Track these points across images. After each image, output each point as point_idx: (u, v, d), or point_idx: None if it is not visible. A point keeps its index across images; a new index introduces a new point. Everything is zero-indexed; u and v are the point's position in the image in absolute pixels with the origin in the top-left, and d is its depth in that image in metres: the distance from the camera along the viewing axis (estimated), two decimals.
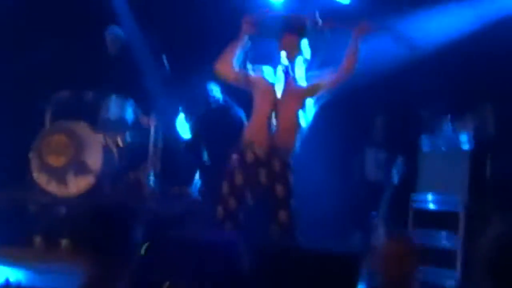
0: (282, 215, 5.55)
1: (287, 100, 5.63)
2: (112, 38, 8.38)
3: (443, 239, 7.07)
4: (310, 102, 5.76)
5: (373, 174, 8.49)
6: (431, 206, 7.34)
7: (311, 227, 7.43)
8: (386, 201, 7.50)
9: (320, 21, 5.74)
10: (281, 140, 5.60)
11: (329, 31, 5.79)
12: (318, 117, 8.12)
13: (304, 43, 5.76)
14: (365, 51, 7.95)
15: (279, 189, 5.58)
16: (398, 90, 8.30)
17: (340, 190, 8.38)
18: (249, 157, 5.65)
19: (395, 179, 7.56)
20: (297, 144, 5.71)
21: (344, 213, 8.07)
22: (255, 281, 4.56)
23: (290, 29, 5.77)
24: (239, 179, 5.66)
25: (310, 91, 5.75)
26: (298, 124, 5.70)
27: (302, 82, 5.78)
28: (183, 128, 8.50)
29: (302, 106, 5.72)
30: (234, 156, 5.71)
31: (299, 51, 5.74)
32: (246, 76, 5.66)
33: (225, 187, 5.70)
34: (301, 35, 5.74)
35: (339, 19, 5.99)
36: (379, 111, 8.56)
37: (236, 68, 5.72)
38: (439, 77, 7.92)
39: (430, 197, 7.36)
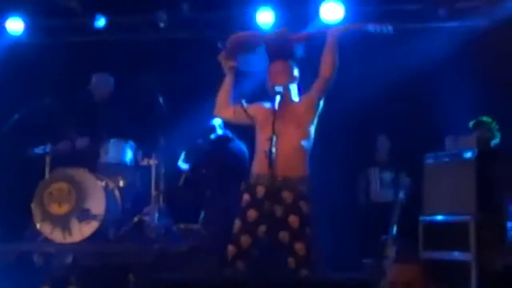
0: (298, 246, 5.39)
1: (288, 125, 5.50)
2: (96, 85, 8.38)
3: (456, 253, 6.95)
4: (310, 124, 5.66)
5: (378, 195, 8.42)
6: (441, 221, 7.23)
7: (319, 255, 7.41)
8: (395, 221, 7.40)
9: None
10: (289, 168, 5.44)
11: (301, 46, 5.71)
12: (319, 138, 8.14)
13: (293, 65, 5.72)
14: (367, 70, 8.01)
15: (292, 219, 5.40)
16: (400, 109, 8.26)
17: (346, 214, 8.30)
18: (259, 191, 5.50)
19: (402, 198, 7.47)
20: (307, 169, 5.57)
21: (353, 238, 7.97)
22: None
23: (279, 55, 5.70)
24: (251, 216, 5.48)
25: (305, 107, 5.65)
26: (303, 149, 5.57)
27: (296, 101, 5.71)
28: (184, 164, 8.51)
29: (305, 129, 5.62)
30: (244, 195, 5.56)
31: (291, 74, 5.67)
32: (244, 110, 5.54)
33: (237, 226, 5.51)
34: (291, 59, 5.72)
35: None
36: (381, 130, 8.51)
37: (232, 107, 5.71)
38: (441, 94, 7.88)
39: (438, 213, 7.26)
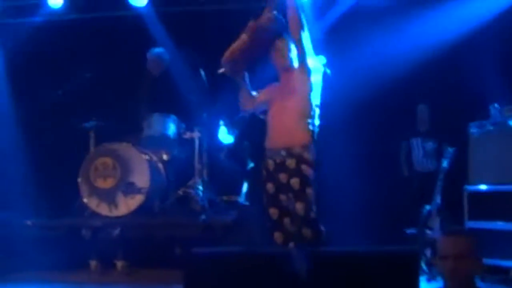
0: (298, 206, 5.67)
1: (285, 98, 5.81)
2: (155, 59, 8.46)
3: (500, 223, 6.90)
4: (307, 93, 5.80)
5: (421, 165, 8.37)
6: (486, 191, 7.17)
7: (365, 228, 7.42)
8: (439, 191, 7.36)
9: None
10: (291, 138, 5.75)
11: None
12: (360, 110, 8.12)
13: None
14: (409, 38, 7.92)
15: (294, 181, 5.69)
16: (443, 77, 8.17)
17: (388, 184, 8.27)
18: (270, 165, 5.83)
19: (446, 168, 7.43)
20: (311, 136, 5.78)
21: (396, 208, 7.95)
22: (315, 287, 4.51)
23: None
24: (270, 188, 5.82)
25: (298, 78, 5.82)
26: (303, 118, 5.76)
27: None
28: (225, 137, 8.51)
29: (301, 99, 5.78)
30: (263, 170, 5.92)
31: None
32: (257, 100, 6.00)
33: (264, 201, 5.88)
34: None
35: None
36: (423, 99, 8.43)
37: (251, 102, 6.06)
38: (485, 62, 7.76)
39: (483, 183, 7.20)
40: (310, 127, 5.79)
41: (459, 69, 8.05)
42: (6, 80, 8.81)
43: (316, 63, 5.88)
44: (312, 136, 5.81)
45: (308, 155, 5.74)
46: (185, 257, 4.77)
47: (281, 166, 5.76)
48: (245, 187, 8.45)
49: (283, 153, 5.75)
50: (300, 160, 5.72)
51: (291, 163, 5.73)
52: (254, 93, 5.97)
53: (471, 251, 3.49)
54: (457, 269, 3.47)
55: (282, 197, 5.73)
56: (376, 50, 7.91)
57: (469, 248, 3.49)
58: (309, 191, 5.70)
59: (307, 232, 5.66)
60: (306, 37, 5.80)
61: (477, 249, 3.52)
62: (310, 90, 5.78)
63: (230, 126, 7.99)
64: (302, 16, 5.80)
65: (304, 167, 5.71)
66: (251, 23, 5.88)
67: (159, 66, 8.49)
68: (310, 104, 5.80)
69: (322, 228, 5.72)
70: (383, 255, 4.63)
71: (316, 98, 5.86)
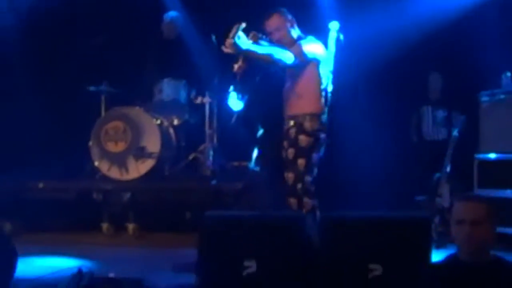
0: (288, 176, 5.89)
1: (288, 72, 6.04)
2: (170, 23, 8.45)
3: (510, 191, 6.93)
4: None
5: (431, 133, 8.38)
6: (496, 159, 7.19)
7: (374, 194, 7.46)
8: (449, 159, 7.39)
9: None
10: (295, 108, 5.96)
11: None
12: (371, 78, 8.11)
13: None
14: (418, 8, 7.88)
15: (290, 151, 5.93)
16: (453, 46, 8.14)
17: (398, 152, 8.29)
18: (279, 133, 6.09)
19: (456, 136, 7.45)
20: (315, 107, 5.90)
21: (406, 176, 7.98)
22: (325, 254, 4.56)
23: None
24: (284, 155, 6.01)
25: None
26: (306, 89, 5.92)
27: None
28: (235, 104, 8.48)
29: (299, 72, 5.93)
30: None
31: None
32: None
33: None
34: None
35: None
36: (434, 68, 8.41)
37: None
38: (498, 31, 7.73)
39: (493, 151, 7.22)
40: (320, 96, 5.91)
41: (471, 38, 8.00)
42: (20, 43, 8.80)
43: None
44: (321, 104, 5.91)
45: (308, 124, 5.87)
46: (199, 219, 4.81)
47: (286, 134, 5.98)
48: (255, 152, 8.47)
49: (289, 121, 5.98)
50: (299, 130, 5.88)
51: (292, 132, 5.93)
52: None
53: (488, 218, 3.51)
54: (473, 234, 3.47)
55: (301, 162, 5.86)
56: (389, 18, 7.87)
57: (487, 215, 3.51)
58: (301, 161, 5.86)
59: (293, 202, 5.83)
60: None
61: (493, 217, 3.54)
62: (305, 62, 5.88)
63: (240, 92, 7.97)
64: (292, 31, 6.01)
65: (301, 137, 5.88)
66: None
67: (174, 30, 8.48)
68: (318, 75, 5.90)
69: (310, 201, 5.83)
70: (396, 221, 4.69)
71: (325, 69, 5.93)
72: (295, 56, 5.80)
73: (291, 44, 5.94)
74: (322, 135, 5.94)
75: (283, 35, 5.98)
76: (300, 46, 5.85)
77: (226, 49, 5.78)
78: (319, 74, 5.91)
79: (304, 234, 4.63)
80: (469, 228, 3.47)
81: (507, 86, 7.22)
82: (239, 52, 5.79)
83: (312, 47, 5.91)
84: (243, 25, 5.72)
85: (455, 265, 3.55)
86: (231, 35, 5.69)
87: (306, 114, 5.89)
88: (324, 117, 5.93)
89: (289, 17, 6.04)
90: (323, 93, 5.93)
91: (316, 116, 5.90)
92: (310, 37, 5.99)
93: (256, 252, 4.56)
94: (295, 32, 6.04)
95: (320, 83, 5.91)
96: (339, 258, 4.54)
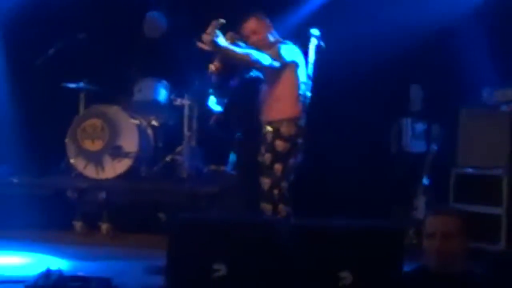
0: (264, 181, 5.86)
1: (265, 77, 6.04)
2: (152, 22, 8.41)
3: (486, 206, 6.92)
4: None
5: (410, 145, 8.37)
6: (473, 174, 7.19)
7: (350, 203, 7.44)
8: (426, 172, 7.39)
9: None
10: (271, 113, 5.93)
11: None
12: (352, 87, 8.09)
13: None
14: (401, 19, 7.88)
15: (267, 156, 5.90)
16: (435, 58, 8.15)
17: (378, 163, 8.28)
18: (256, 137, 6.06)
19: (435, 149, 7.45)
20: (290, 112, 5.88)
21: (383, 187, 7.96)
22: (297, 260, 4.53)
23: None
24: (260, 159, 5.99)
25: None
26: (281, 94, 5.90)
27: None
28: (214, 106, 8.42)
29: (275, 77, 5.91)
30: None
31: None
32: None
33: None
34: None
35: None
36: (415, 80, 8.41)
37: None
38: (480, 45, 7.74)
39: (471, 166, 7.22)
40: (297, 101, 5.91)
41: (453, 51, 8.00)
42: None
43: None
44: (299, 109, 5.91)
45: (285, 130, 5.85)
46: (170, 222, 4.77)
47: (264, 139, 5.93)
48: (232, 156, 8.43)
49: (266, 126, 5.94)
50: (276, 134, 5.85)
51: (269, 136, 5.89)
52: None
53: (459, 232, 3.49)
54: (443, 248, 3.46)
55: (277, 166, 5.83)
56: (371, 27, 7.86)
57: (458, 228, 3.49)
58: (278, 166, 5.84)
59: (267, 207, 5.81)
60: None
61: (465, 231, 3.53)
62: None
63: (220, 95, 7.93)
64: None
65: (278, 142, 5.85)
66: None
67: (156, 29, 8.42)
68: (296, 79, 5.90)
69: (285, 208, 5.81)
70: (369, 230, 4.65)
71: (303, 74, 5.93)
72: (273, 58, 5.77)
73: (268, 47, 5.92)
74: (299, 140, 5.92)
75: (260, 39, 5.96)
76: (278, 49, 5.83)
77: (204, 46, 5.72)
78: (296, 79, 5.89)
79: (276, 240, 4.59)
80: (439, 242, 3.47)
81: (487, 100, 7.22)
82: (217, 49, 5.74)
83: (289, 51, 5.90)
84: (222, 21, 5.64)
85: (425, 275, 3.54)
86: (209, 31, 5.61)
87: (283, 119, 5.88)
88: (302, 122, 5.91)
89: (267, 21, 6.03)
90: (301, 98, 5.90)
91: (293, 121, 5.89)
92: (288, 42, 5.98)
93: (226, 255, 4.51)
94: (272, 37, 6.03)
95: (297, 87, 5.90)
96: (310, 265, 4.49)
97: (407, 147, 8.36)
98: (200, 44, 5.79)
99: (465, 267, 3.61)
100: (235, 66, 6.12)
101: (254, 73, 6.20)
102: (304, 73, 5.95)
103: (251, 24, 5.98)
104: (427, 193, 7.36)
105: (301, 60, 5.96)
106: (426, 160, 7.51)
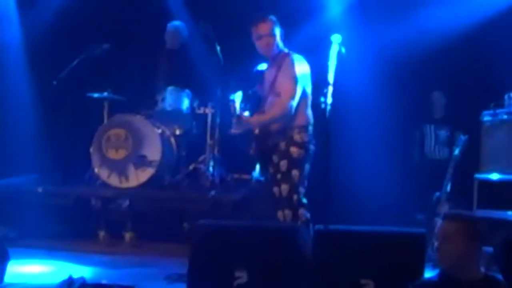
0: (283, 187, 5.85)
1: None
2: (174, 33, 8.47)
3: (510, 213, 6.87)
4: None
5: (433, 152, 8.34)
6: (496, 180, 7.14)
7: (373, 210, 7.42)
8: (449, 179, 7.36)
9: None
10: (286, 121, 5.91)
11: None
12: (374, 94, 8.09)
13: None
14: (423, 25, 7.87)
15: (283, 163, 5.89)
16: (457, 64, 8.12)
17: (401, 170, 8.25)
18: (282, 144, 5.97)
19: (457, 156, 7.42)
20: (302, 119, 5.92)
21: (406, 194, 7.93)
22: (318, 267, 4.53)
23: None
24: (272, 169, 6.04)
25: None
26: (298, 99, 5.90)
27: None
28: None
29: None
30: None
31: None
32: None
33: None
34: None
35: None
36: (438, 86, 8.39)
37: None
38: (503, 50, 7.69)
39: (494, 172, 7.17)
40: (306, 109, 5.94)
41: (475, 57, 8.00)
42: (24, 50, 8.84)
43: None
44: (308, 116, 5.95)
45: (298, 137, 5.88)
46: (192, 229, 4.79)
47: (273, 148, 5.94)
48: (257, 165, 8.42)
49: (276, 135, 5.93)
50: (289, 142, 5.87)
51: (282, 145, 5.90)
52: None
53: (459, 235, 3.54)
54: (443, 250, 3.56)
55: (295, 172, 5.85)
56: (393, 33, 7.86)
57: (458, 232, 3.56)
58: (295, 172, 5.85)
59: (288, 214, 5.80)
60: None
61: (468, 234, 3.56)
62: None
63: (242, 102, 7.94)
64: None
65: (293, 149, 5.87)
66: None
67: (177, 39, 8.50)
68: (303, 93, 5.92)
69: (305, 212, 5.81)
70: (390, 236, 4.65)
71: (306, 85, 5.97)
72: (288, 103, 5.87)
73: (275, 56, 5.99)
74: (312, 147, 5.95)
75: (271, 43, 5.97)
76: (292, 67, 5.89)
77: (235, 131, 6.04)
78: (304, 92, 5.93)
79: (297, 246, 4.60)
80: (441, 245, 3.58)
81: (509, 106, 7.17)
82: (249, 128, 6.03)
83: (303, 69, 5.96)
84: (239, 94, 6.03)
85: (445, 281, 3.55)
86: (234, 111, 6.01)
87: (294, 126, 5.90)
88: (311, 129, 5.94)
89: (280, 28, 6.04)
90: (309, 106, 5.96)
91: (304, 128, 5.92)
92: (298, 56, 6.01)
93: (247, 262, 4.53)
94: (282, 44, 6.05)
95: (305, 99, 5.94)
96: (331, 271, 4.50)
97: (430, 154, 8.34)
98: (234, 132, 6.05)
99: (486, 273, 3.63)
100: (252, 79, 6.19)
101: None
102: (310, 83, 6.00)
103: (267, 26, 5.96)
104: (450, 200, 7.32)
105: (308, 74, 6.02)
106: (449, 167, 7.47)
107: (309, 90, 5.99)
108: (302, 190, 5.85)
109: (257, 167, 8.20)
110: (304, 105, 5.94)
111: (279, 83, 5.93)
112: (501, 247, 3.91)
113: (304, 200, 5.84)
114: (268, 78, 6.07)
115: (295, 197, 5.81)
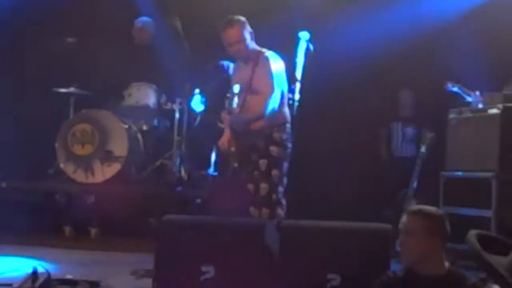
0: (262, 186, 5.84)
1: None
2: (141, 28, 8.44)
3: (476, 209, 6.93)
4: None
5: (400, 149, 8.38)
6: (462, 177, 7.20)
7: (340, 207, 7.44)
8: (416, 176, 7.42)
9: None
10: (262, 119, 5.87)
11: None
12: (342, 91, 8.12)
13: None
14: (391, 24, 7.91)
15: (262, 162, 5.87)
16: (426, 63, 8.17)
17: (368, 167, 8.30)
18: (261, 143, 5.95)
19: (424, 153, 7.48)
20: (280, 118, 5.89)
21: (373, 191, 7.98)
22: (285, 262, 4.52)
23: None
24: (250, 168, 5.98)
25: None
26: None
27: None
28: (198, 106, 8.33)
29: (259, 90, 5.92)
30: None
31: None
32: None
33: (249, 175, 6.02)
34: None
35: None
36: (405, 84, 8.44)
37: None
38: (469, 49, 7.76)
39: (460, 169, 7.23)
40: (283, 107, 5.91)
41: (443, 55, 8.05)
42: None
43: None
44: (286, 114, 5.92)
45: (277, 135, 5.87)
46: (158, 224, 4.76)
47: (252, 147, 5.90)
48: (213, 156, 8.32)
49: (255, 134, 5.87)
50: (268, 141, 5.85)
51: (260, 143, 5.87)
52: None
53: (419, 230, 3.60)
54: (403, 244, 3.68)
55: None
56: (361, 31, 7.89)
57: (418, 226, 3.62)
58: (275, 172, 5.84)
59: (265, 212, 5.80)
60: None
61: (429, 230, 3.60)
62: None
63: (202, 94, 7.89)
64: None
65: (272, 148, 5.86)
66: None
67: (145, 35, 8.45)
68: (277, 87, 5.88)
69: (281, 212, 5.83)
70: (356, 230, 4.67)
71: (283, 82, 5.94)
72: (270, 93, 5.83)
73: (251, 55, 5.95)
74: (290, 145, 5.92)
75: (242, 48, 5.93)
76: (267, 63, 5.87)
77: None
78: (281, 90, 5.92)
79: (264, 241, 4.58)
80: (403, 239, 3.70)
81: (475, 104, 7.24)
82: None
83: (278, 66, 5.93)
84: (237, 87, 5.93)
85: (409, 276, 3.59)
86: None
87: (272, 125, 5.88)
88: (289, 127, 5.91)
89: (249, 29, 5.99)
90: (286, 104, 5.93)
91: (282, 126, 5.90)
92: (272, 53, 5.98)
93: (214, 257, 4.51)
94: (253, 44, 6.02)
95: (282, 96, 5.92)
96: (298, 266, 4.49)
97: (397, 152, 8.39)
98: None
99: (451, 269, 3.67)
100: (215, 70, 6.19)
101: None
102: (285, 81, 5.97)
103: (235, 33, 5.90)
104: (417, 196, 7.39)
105: (283, 71, 5.99)
106: (416, 164, 7.54)
107: (285, 87, 5.96)
108: (281, 189, 5.85)
109: (212, 161, 8.18)
110: (281, 103, 5.92)
111: (257, 81, 5.89)
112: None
113: (283, 201, 5.84)
114: (243, 75, 6.00)
115: (273, 196, 5.82)
